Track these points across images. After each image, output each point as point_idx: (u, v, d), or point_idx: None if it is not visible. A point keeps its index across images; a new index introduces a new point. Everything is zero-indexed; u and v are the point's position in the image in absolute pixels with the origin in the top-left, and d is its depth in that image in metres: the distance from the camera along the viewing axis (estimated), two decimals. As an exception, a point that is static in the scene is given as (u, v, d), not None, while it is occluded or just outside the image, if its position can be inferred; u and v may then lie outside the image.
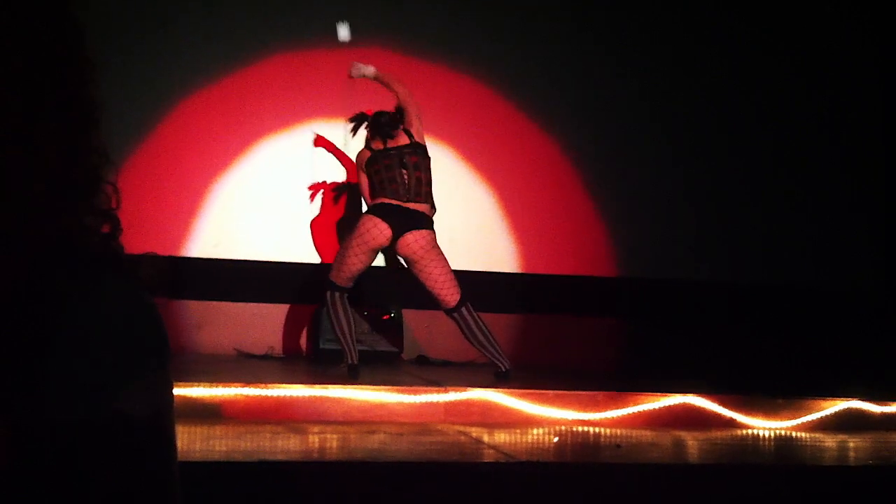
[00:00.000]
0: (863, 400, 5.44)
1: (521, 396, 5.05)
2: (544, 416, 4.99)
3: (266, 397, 4.72)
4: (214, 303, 6.65)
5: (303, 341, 6.75)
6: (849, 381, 5.67)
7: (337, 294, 5.49)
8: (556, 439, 4.73)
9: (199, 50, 6.77)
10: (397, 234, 5.40)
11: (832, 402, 5.37)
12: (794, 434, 5.18)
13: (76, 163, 0.89)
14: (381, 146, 5.58)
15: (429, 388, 5.04)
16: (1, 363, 0.83)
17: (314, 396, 4.81)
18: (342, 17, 6.87)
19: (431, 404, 4.93)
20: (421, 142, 5.62)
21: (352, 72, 5.84)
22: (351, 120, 5.81)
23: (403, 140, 5.58)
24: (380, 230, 5.40)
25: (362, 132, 5.79)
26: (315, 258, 6.86)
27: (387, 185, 5.51)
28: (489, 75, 7.24)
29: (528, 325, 7.09)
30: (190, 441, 4.01)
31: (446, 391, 5.00)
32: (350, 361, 5.41)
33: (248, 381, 4.81)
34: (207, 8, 6.87)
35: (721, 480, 4.03)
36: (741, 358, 6.54)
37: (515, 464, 4.03)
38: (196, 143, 6.80)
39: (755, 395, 5.39)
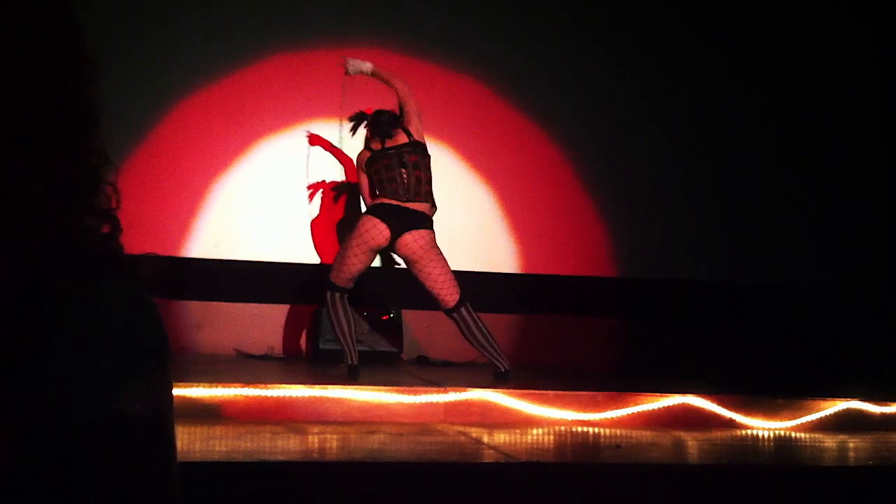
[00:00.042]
0: (863, 400, 5.44)
1: (521, 397, 5.04)
2: (544, 417, 4.99)
3: (266, 397, 4.72)
4: (214, 303, 6.65)
5: (302, 341, 6.75)
6: (849, 381, 5.67)
7: (337, 294, 5.49)
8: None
9: (199, 50, 6.77)
10: (396, 234, 5.40)
11: (832, 403, 5.36)
12: (793, 434, 5.18)
13: (76, 163, 0.89)
14: (380, 146, 5.57)
15: (429, 388, 5.04)
16: (1, 363, 0.83)
17: (314, 397, 4.81)
18: (342, 17, 6.88)
19: (431, 404, 4.93)
20: (420, 140, 5.60)
21: (349, 68, 5.78)
22: (350, 119, 5.79)
23: (402, 139, 5.57)
24: (378, 230, 5.40)
25: (360, 132, 5.77)
26: (315, 258, 6.86)
27: (386, 185, 5.50)
28: (489, 75, 7.24)
29: (527, 326, 7.09)
30: (190, 441, 4.01)
31: (446, 391, 5.00)
32: (350, 362, 5.41)
33: (248, 382, 4.81)
34: (207, 8, 6.87)
35: (721, 481, 4.03)
36: (741, 358, 6.54)
37: (515, 464, 4.03)
38: (196, 144, 6.80)
39: (755, 395, 5.39)
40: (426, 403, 4.92)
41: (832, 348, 6.69)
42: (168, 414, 0.90)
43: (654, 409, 5.15)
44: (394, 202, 5.45)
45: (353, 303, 5.66)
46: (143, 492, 0.87)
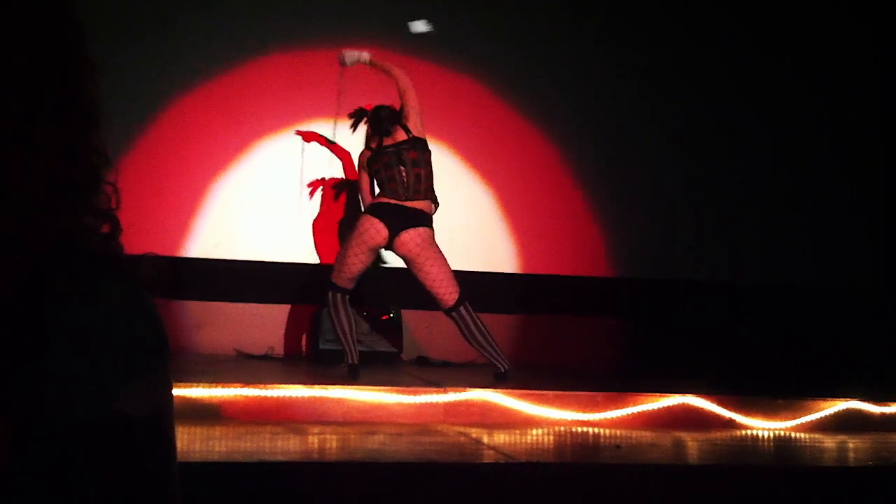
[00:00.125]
0: (862, 400, 5.44)
1: (521, 397, 5.04)
2: (544, 417, 4.99)
3: (266, 398, 4.72)
4: (214, 303, 6.65)
5: (302, 342, 6.75)
6: (848, 381, 5.67)
7: (338, 295, 5.49)
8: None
9: (199, 50, 6.77)
10: (394, 233, 5.39)
11: (832, 403, 5.36)
12: (793, 435, 5.18)
13: (76, 163, 0.89)
14: (379, 144, 5.56)
15: (428, 388, 5.04)
16: (1, 363, 0.83)
17: (314, 397, 4.81)
18: (342, 17, 6.88)
19: (431, 405, 4.93)
20: (420, 136, 5.55)
21: (346, 59, 5.72)
22: (350, 116, 5.77)
23: (401, 136, 5.55)
24: (377, 230, 5.39)
25: (360, 129, 5.75)
26: (315, 258, 6.86)
27: (386, 185, 5.49)
28: (489, 75, 7.24)
29: (527, 326, 7.09)
30: (190, 441, 4.01)
31: (446, 392, 5.00)
32: (350, 361, 5.41)
33: (247, 382, 4.81)
34: (207, 8, 6.87)
35: (720, 481, 4.03)
36: (741, 358, 6.53)
37: (515, 464, 4.03)
38: (196, 143, 6.80)
39: (755, 395, 5.39)
40: (426, 404, 4.92)
41: (832, 348, 6.69)
42: (168, 414, 0.90)
43: (653, 410, 5.15)
44: (392, 201, 5.44)
45: (353, 303, 5.66)
46: (143, 492, 0.87)
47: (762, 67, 7.69)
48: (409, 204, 5.44)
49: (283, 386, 4.82)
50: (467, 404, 4.99)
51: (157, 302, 0.91)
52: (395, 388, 4.99)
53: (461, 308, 5.41)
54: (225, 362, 6.06)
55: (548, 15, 7.39)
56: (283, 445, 4.26)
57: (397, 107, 5.61)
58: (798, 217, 7.66)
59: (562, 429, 4.94)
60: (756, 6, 7.74)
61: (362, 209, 5.69)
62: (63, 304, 0.85)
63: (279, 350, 6.66)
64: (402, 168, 5.47)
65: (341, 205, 6.87)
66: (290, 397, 4.76)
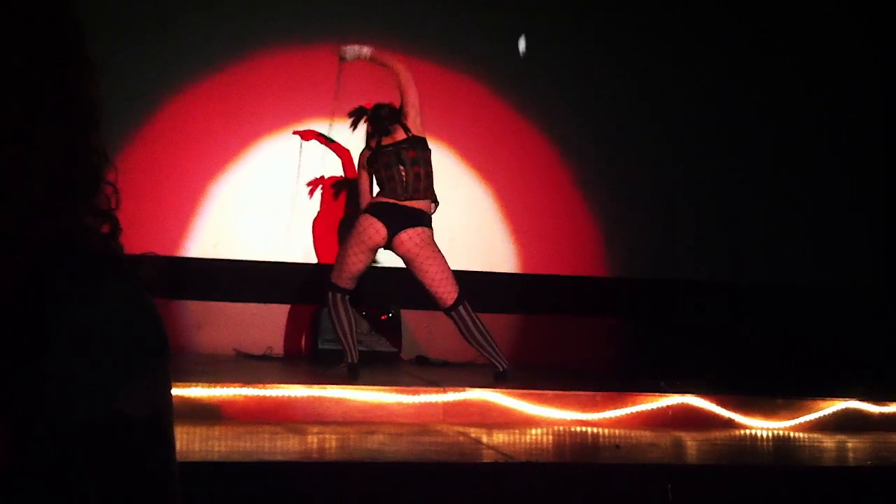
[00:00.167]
0: (862, 400, 5.44)
1: (520, 397, 5.04)
2: (543, 417, 4.99)
3: (265, 397, 4.72)
4: (214, 303, 6.65)
5: (302, 341, 6.75)
6: (848, 381, 5.67)
7: (339, 295, 5.49)
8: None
9: (199, 49, 6.77)
10: (392, 232, 5.38)
11: (831, 403, 5.36)
12: (792, 434, 5.18)
13: (76, 163, 0.89)
14: (378, 143, 5.55)
15: (428, 388, 5.04)
16: (1, 363, 0.83)
17: (313, 397, 4.81)
18: (342, 17, 6.88)
19: (430, 405, 4.93)
20: (419, 134, 5.53)
21: (346, 55, 5.67)
22: (350, 115, 5.75)
23: (400, 135, 5.54)
24: (375, 229, 5.39)
25: (360, 128, 5.74)
26: (314, 258, 6.86)
27: (386, 184, 5.49)
28: (488, 75, 7.24)
29: (527, 326, 7.10)
30: (189, 441, 4.01)
31: (445, 391, 5.00)
32: (350, 361, 5.41)
33: (247, 382, 4.81)
34: (207, 7, 6.87)
35: (720, 481, 4.03)
36: (741, 358, 6.53)
37: (514, 464, 4.02)
38: (195, 143, 6.80)
39: (754, 395, 5.39)
40: (425, 403, 4.92)
41: (832, 348, 6.69)
42: (168, 414, 0.90)
43: (653, 409, 5.15)
44: (392, 201, 5.44)
45: (353, 303, 5.66)
46: (143, 492, 0.87)
47: (762, 67, 7.69)
48: (408, 203, 5.44)
49: (282, 386, 4.81)
50: (467, 404, 4.98)
51: (156, 302, 0.91)
52: (394, 387, 4.99)
53: (460, 308, 5.41)
54: (224, 362, 6.06)
55: (548, 15, 7.39)
56: (282, 445, 4.26)
57: (397, 105, 5.60)
58: (798, 217, 7.66)
59: (561, 428, 4.94)
60: (756, 6, 7.75)
61: (361, 209, 5.68)
62: (63, 304, 0.85)
63: (278, 350, 6.67)
64: (402, 167, 5.47)
65: (341, 204, 6.87)
66: (289, 397, 4.76)
